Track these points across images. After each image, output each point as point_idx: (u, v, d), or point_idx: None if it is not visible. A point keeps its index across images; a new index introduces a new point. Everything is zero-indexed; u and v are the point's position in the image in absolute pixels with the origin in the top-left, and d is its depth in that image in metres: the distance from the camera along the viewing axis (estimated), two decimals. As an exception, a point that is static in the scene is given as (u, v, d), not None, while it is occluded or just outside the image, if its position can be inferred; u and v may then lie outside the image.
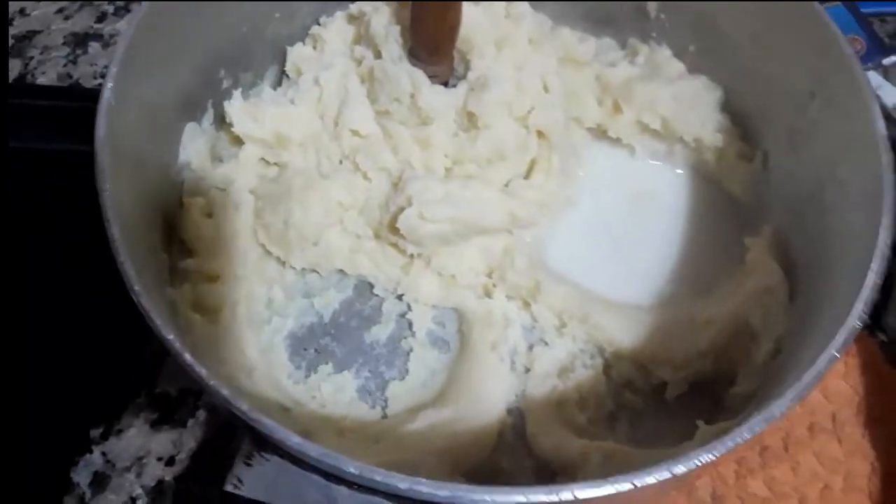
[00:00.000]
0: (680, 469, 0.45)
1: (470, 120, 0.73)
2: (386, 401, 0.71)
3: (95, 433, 0.74)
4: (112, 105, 0.60)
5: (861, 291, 0.52)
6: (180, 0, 0.68)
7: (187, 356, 0.50)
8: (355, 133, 0.74)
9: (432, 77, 0.72)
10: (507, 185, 0.75)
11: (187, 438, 0.74)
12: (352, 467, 0.45)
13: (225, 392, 0.48)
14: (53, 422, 0.73)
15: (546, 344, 0.73)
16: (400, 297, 0.76)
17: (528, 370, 0.72)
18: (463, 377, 0.71)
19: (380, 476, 0.45)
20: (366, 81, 0.75)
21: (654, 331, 0.71)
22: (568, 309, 0.72)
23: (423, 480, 0.44)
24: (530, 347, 0.73)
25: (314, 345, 0.75)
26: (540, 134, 0.74)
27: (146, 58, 0.65)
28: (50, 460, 0.73)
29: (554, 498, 0.44)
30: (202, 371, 0.49)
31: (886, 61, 0.91)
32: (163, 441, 0.74)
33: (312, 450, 0.46)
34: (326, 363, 0.73)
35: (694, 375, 0.69)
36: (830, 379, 0.72)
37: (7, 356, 0.71)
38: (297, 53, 0.81)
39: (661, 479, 0.45)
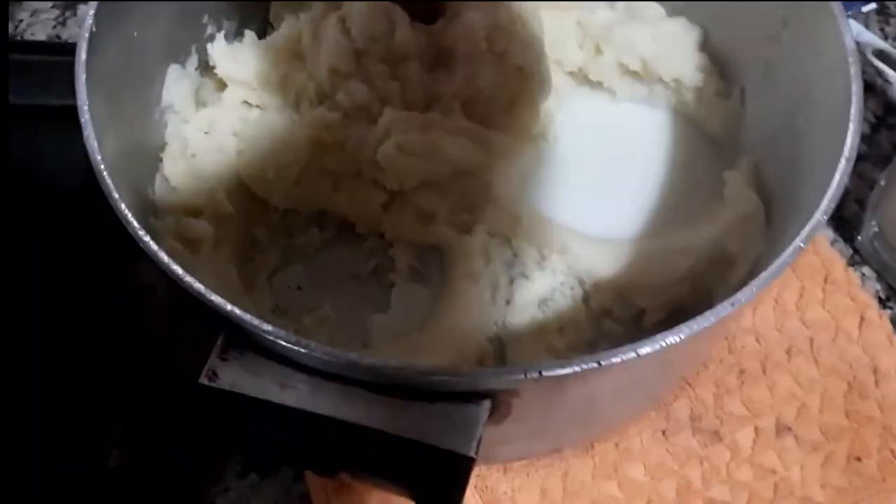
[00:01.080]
0: (645, 350, 0.46)
1: (448, 56, 0.74)
2: (368, 333, 0.72)
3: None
4: (94, 31, 0.61)
5: (828, 190, 0.53)
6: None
7: (163, 256, 0.50)
8: (334, 72, 0.75)
9: (410, 14, 0.73)
10: (486, 121, 0.76)
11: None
12: (322, 353, 0.46)
13: (198, 286, 0.49)
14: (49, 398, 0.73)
15: (526, 277, 0.74)
16: (381, 236, 0.77)
17: (508, 302, 0.73)
18: (444, 309, 0.71)
19: (355, 357, 0.46)
20: (345, 21, 0.76)
21: (632, 261, 0.71)
22: (548, 243, 0.73)
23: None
24: (511, 281, 0.74)
25: (297, 282, 0.75)
26: (518, 70, 0.75)
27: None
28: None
29: (520, 376, 0.45)
30: (178, 269, 0.50)
31: (866, 8, 0.92)
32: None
33: (284, 336, 0.47)
34: (309, 299, 0.74)
35: (671, 303, 0.69)
36: (809, 307, 0.73)
37: (8, 326, 0.71)
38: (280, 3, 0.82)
39: (625, 358, 0.45)
